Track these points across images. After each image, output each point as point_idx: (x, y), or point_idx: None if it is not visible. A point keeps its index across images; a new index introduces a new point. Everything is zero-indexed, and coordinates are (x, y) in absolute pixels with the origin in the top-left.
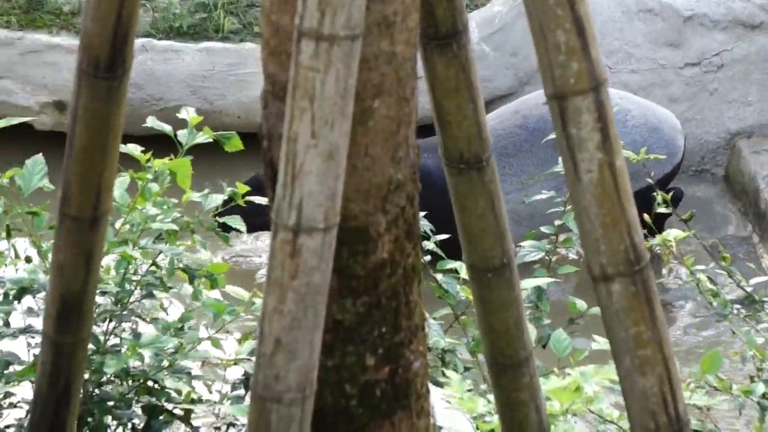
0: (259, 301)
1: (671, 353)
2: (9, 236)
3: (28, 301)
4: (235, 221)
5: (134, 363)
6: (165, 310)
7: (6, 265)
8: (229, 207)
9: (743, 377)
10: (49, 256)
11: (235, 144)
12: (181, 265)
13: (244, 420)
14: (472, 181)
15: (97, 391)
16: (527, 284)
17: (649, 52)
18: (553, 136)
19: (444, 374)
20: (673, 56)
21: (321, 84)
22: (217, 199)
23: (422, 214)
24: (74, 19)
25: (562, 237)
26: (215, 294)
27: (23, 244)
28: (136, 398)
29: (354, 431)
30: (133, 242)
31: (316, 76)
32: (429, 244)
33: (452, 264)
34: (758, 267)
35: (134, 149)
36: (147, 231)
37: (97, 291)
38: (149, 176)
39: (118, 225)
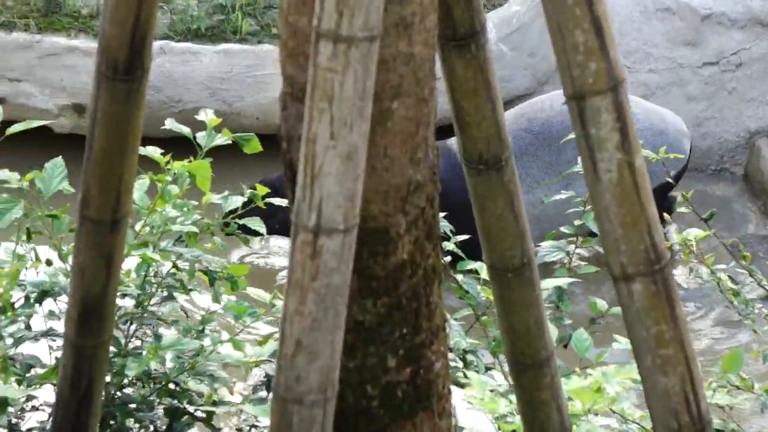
0: (279, 303)
1: (693, 352)
2: (29, 239)
3: (49, 304)
4: (255, 223)
5: (155, 365)
6: (185, 312)
7: (27, 268)
8: (249, 209)
9: (766, 376)
10: (70, 259)
11: (254, 146)
12: (201, 268)
13: (266, 422)
14: (492, 181)
15: (118, 393)
16: (548, 284)
17: (667, 51)
18: (569, 137)
19: (465, 375)
20: (692, 55)
21: (339, 85)
22: (237, 201)
23: (442, 214)
24: (92, 22)
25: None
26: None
27: (44, 247)
28: (157, 400)
29: None
30: (153, 244)
31: (335, 78)
32: (449, 245)
33: (472, 264)
34: None
35: (153, 151)
36: (167, 233)
37: (118, 293)
38: (169, 178)
39: (138, 227)
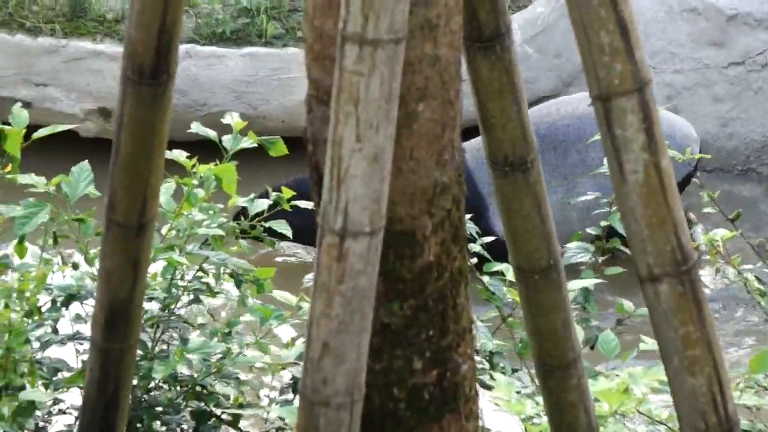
0: (306, 306)
1: (720, 353)
2: (56, 243)
3: (75, 307)
4: (281, 226)
5: (182, 368)
6: (212, 315)
7: (53, 272)
8: (274, 212)
9: None
10: (96, 262)
11: (279, 149)
12: (228, 271)
13: (293, 424)
14: (517, 182)
15: (145, 396)
16: (574, 285)
17: (693, 51)
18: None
19: (492, 377)
20: (717, 56)
21: (365, 88)
22: (263, 204)
23: (468, 216)
24: (118, 27)
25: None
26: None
27: (70, 251)
28: (184, 403)
29: None
30: (180, 248)
31: (361, 80)
32: (475, 247)
33: (499, 266)
34: None
35: (179, 155)
36: (193, 236)
37: (145, 297)
38: (195, 182)
39: (164, 231)
